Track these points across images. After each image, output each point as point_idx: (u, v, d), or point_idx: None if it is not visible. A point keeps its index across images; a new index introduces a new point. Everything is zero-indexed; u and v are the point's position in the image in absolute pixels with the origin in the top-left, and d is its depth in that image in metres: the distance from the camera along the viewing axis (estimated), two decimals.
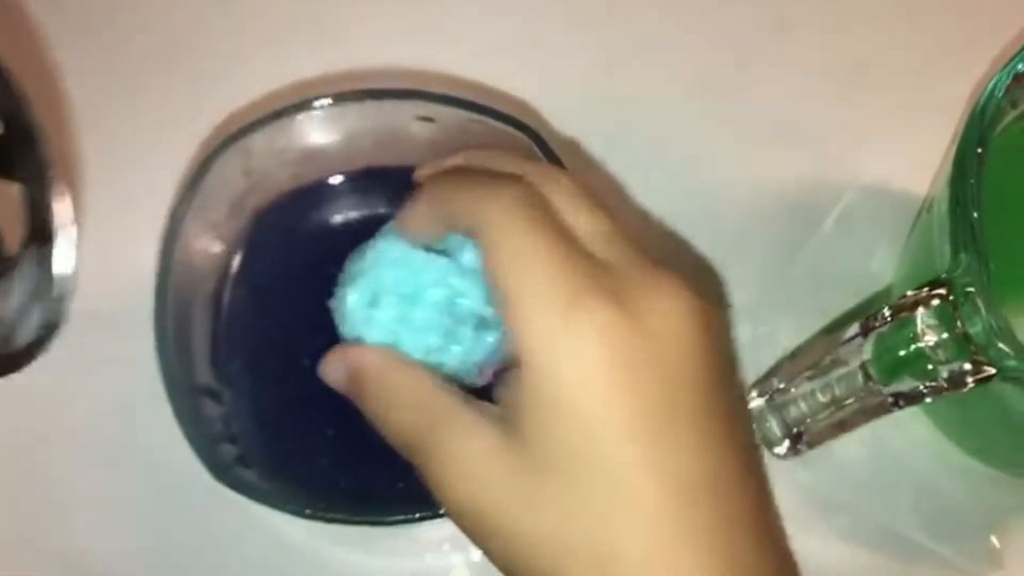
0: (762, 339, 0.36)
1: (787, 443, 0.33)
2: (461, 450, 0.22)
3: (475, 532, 0.22)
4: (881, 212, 0.38)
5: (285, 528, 0.34)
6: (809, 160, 0.38)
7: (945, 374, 0.26)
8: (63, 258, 0.25)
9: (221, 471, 0.24)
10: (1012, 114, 0.29)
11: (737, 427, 0.23)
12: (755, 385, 0.34)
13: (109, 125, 0.38)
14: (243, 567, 0.34)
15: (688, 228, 0.38)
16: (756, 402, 0.34)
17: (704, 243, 0.38)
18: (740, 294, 0.37)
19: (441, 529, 0.35)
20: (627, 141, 0.38)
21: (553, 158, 0.29)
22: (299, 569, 0.34)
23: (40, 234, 0.25)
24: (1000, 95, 0.27)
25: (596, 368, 0.21)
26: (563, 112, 0.37)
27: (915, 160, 0.35)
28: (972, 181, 0.26)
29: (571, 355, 0.21)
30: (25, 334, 0.25)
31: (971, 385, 0.26)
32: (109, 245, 0.36)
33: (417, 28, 0.38)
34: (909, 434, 0.36)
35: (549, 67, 0.38)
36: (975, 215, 0.26)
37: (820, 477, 0.36)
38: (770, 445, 0.34)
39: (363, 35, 0.38)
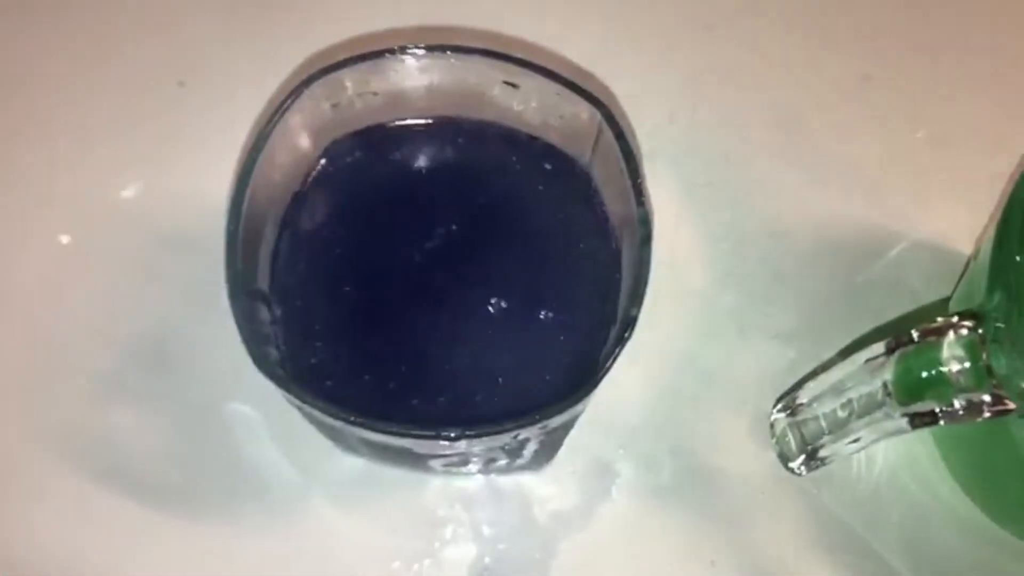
0: (802, 365, 0.37)
1: (803, 458, 0.33)
2: None
3: None
4: (932, 265, 0.38)
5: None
6: (868, 207, 0.39)
7: (963, 402, 0.27)
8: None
9: (264, 365, 0.25)
10: None
11: None
12: (779, 400, 0.35)
13: (205, 48, 0.40)
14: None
15: (740, 250, 0.39)
16: (778, 416, 0.35)
17: (754, 266, 0.39)
18: (785, 320, 0.38)
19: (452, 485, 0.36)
20: (695, 159, 0.40)
21: (626, 147, 0.30)
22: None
23: None
24: None
25: None
26: (639, 122, 0.38)
27: (977, 223, 0.36)
28: (1018, 225, 0.27)
29: None
30: None
31: (987, 415, 0.27)
32: (196, 162, 0.38)
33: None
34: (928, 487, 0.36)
35: (637, 79, 0.40)
36: (1017, 258, 0.27)
37: (837, 508, 0.36)
38: (786, 460, 0.34)
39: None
